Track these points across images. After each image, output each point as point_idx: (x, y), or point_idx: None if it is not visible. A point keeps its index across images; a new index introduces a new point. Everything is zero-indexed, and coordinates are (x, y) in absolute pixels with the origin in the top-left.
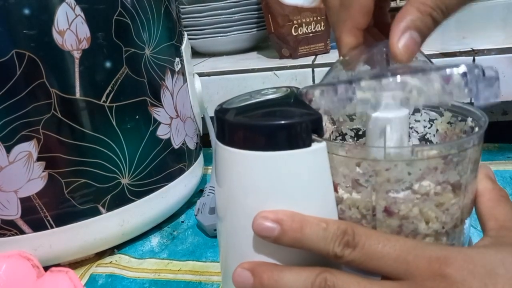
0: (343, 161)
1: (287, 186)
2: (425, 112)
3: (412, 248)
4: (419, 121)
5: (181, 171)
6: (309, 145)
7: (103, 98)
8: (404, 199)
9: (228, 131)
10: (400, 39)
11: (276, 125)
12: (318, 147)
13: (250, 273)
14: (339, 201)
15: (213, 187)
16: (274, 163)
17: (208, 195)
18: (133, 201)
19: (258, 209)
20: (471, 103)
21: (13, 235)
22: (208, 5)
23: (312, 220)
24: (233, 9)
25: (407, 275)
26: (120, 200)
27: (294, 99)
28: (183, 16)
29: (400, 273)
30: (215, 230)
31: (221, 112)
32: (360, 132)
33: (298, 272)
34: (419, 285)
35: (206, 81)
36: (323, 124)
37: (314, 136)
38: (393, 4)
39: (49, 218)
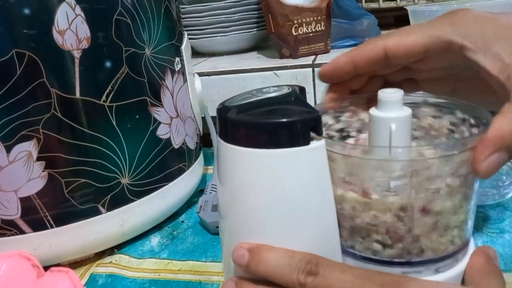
0: (379, 164)
1: (287, 183)
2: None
3: (370, 274)
4: None
5: (181, 171)
6: (308, 143)
7: (103, 98)
8: (440, 196)
9: (230, 129)
10: (488, 158)
11: (275, 123)
12: (317, 145)
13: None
14: (373, 206)
15: (215, 185)
16: (274, 160)
17: (210, 192)
18: (133, 201)
19: (259, 206)
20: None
21: (13, 235)
22: (208, 5)
23: (279, 249)
24: (233, 9)
25: None
26: (120, 200)
27: (294, 98)
28: (183, 16)
29: None
30: (217, 227)
31: (223, 110)
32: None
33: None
34: None
35: (206, 81)
36: (323, 123)
37: (313, 134)
38: (392, 4)
39: (49, 218)
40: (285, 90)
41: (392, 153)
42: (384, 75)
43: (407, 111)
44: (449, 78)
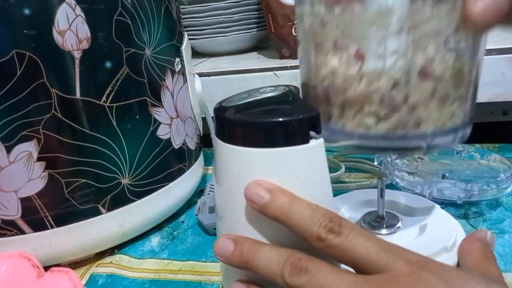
0: (374, 18)
1: (285, 182)
2: None
3: (395, 248)
4: None
5: (181, 171)
6: (306, 141)
7: (104, 98)
8: (441, 58)
9: (227, 128)
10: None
11: (274, 122)
12: (316, 144)
13: (233, 242)
14: (366, 72)
15: (214, 186)
16: (272, 159)
17: (208, 193)
18: (133, 201)
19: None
20: None
21: (13, 235)
22: (208, 5)
23: (302, 200)
24: (233, 9)
25: (383, 269)
26: (120, 200)
27: (292, 97)
28: (183, 16)
29: (377, 267)
30: (215, 229)
31: (220, 110)
32: None
33: (277, 249)
34: (392, 278)
35: (206, 81)
36: None
37: (311, 133)
38: None
39: (49, 218)
40: (282, 90)
41: (388, 1)
42: None
43: None
44: None
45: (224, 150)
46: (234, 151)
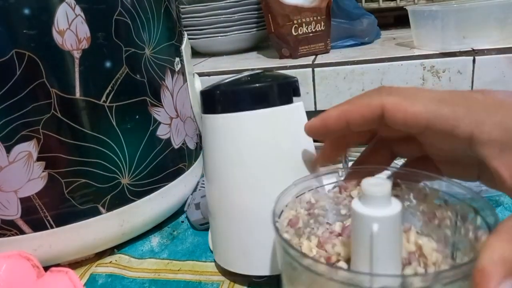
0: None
1: (272, 141)
2: (406, 187)
3: None
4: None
5: (181, 171)
6: (290, 101)
7: (103, 98)
8: None
9: (216, 99)
10: None
11: (260, 86)
12: (298, 104)
13: None
14: None
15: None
16: (264, 119)
17: (199, 189)
18: (133, 201)
19: (255, 161)
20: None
21: (13, 235)
22: (208, 5)
23: None
24: (233, 9)
25: None
26: (120, 200)
27: (271, 75)
28: (183, 16)
29: None
30: (201, 225)
31: (206, 90)
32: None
33: None
34: None
35: (206, 81)
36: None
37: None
38: (392, 4)
39: (49, 218)
40: (260, 72)
41: (372, 283)
42: (390, 142)
43: (395, 208)
44: (471, 164)
45: (213, 121)
46: (223, 118)
